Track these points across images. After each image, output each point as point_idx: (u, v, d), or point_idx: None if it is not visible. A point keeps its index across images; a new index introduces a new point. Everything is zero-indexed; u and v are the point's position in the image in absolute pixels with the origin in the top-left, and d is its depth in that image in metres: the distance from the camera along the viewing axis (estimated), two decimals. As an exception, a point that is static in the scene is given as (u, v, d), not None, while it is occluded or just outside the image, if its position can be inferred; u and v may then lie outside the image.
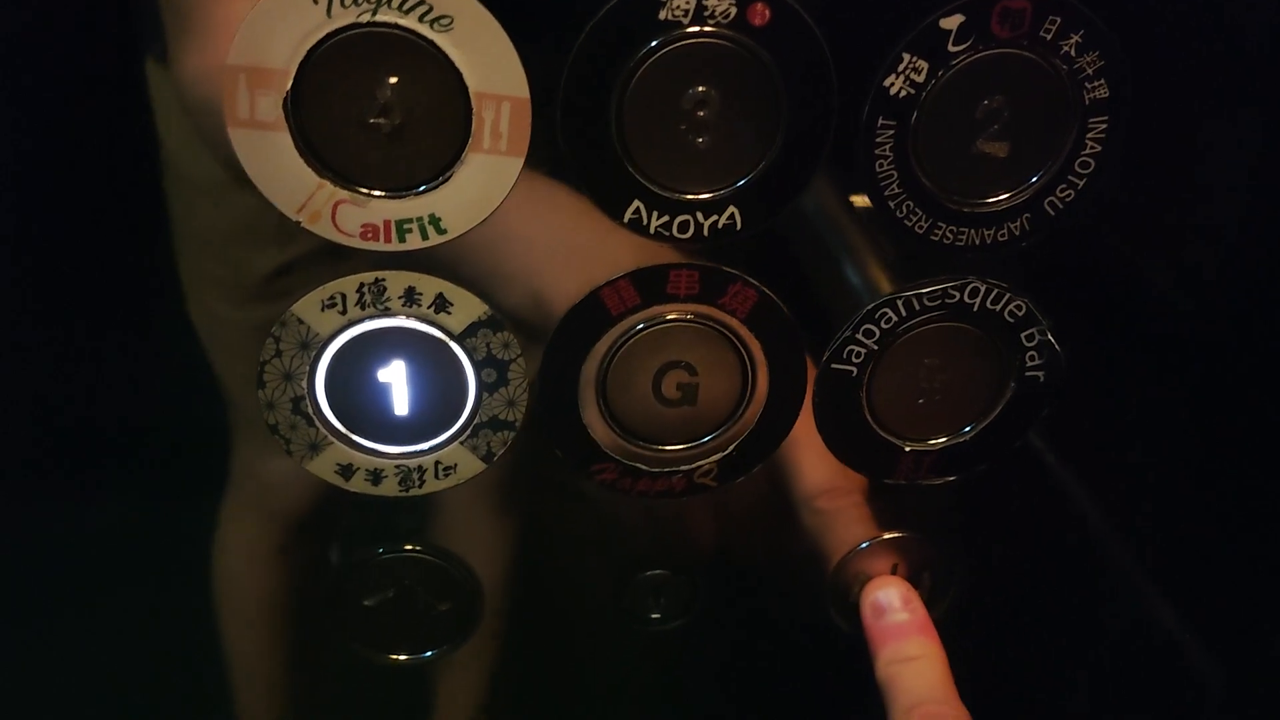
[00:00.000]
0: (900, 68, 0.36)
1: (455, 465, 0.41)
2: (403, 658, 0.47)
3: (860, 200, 0.40)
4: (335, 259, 0.38)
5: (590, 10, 0.34)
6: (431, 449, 0.41)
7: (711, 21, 0.35)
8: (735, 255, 0.39)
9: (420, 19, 0.34)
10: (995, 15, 0.36)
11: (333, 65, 0.34)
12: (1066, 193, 0.39)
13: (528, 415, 0.41)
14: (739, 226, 0.38)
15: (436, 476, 0.41)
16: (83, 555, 0.47)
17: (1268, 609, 0.52)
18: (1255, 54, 0.41)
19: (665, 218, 0.38)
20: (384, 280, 0.38)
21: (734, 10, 0.35)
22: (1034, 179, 0.39)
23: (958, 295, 0.41)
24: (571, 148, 0.36)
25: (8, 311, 0.41)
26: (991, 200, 0.39)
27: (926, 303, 0.41)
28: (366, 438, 0.41)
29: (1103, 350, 0.45)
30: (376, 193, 0.36)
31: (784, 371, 0.42)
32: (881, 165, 0.38)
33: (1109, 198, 0.40)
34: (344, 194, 0.36)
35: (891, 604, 0.45)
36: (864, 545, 0.46)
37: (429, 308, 0.39)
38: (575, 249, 0.39)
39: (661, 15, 0.34)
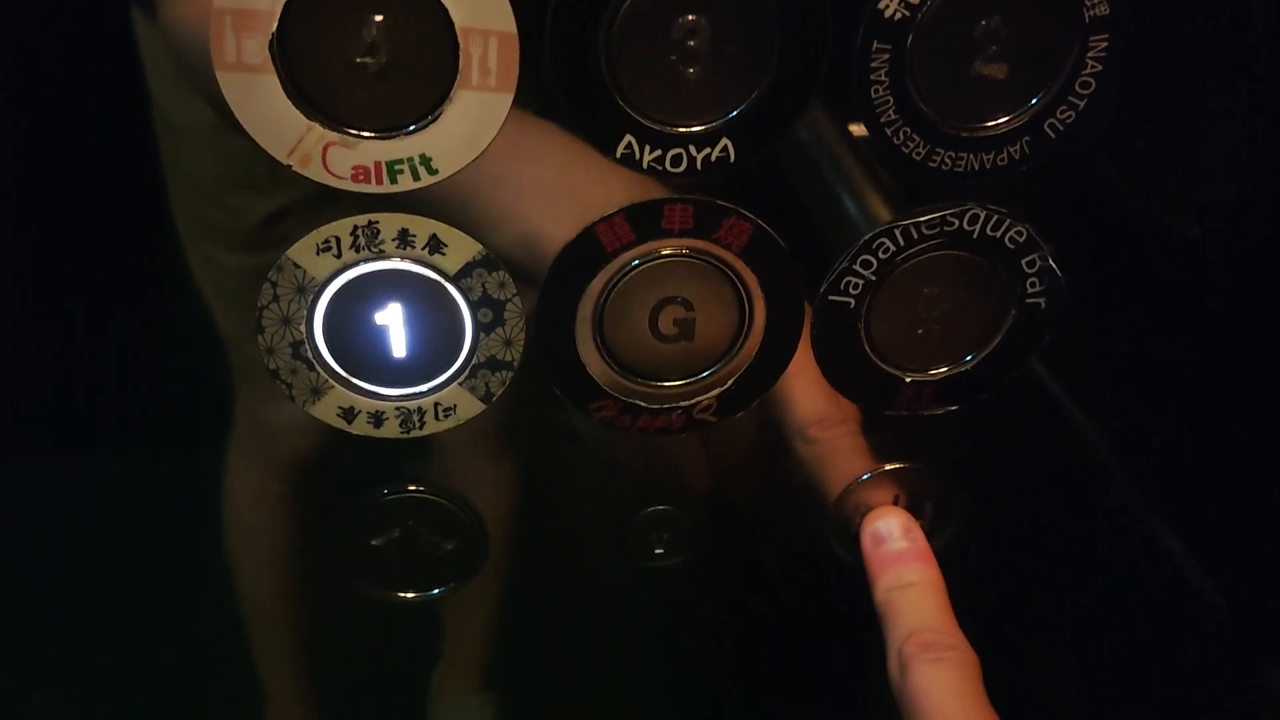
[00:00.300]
0: (894, -11, 0.36)
1: (455, 406, 0.42)
2: (410, 596, 0.48)
3: (857, 129, 0.39)
4: (329, 203, 0.38)
5: (575, -60, 0.34)
6: (431, 390, 0.41)
7: (699, -52, 0.34)
8: (730, 189, 0.39)
9: (402, -47, 0.33)
10: (990, -68, 0.35)
11: (318, 4, 0.33)
12: (1067, 114, 0.39)
13: (525, 355, 0.41)
14: (732, 159, 0.38)
15: (437, 418, 0.42)
16: (90, 508, 0.47)
17: (1269, 535, 0.52)
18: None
19: (658, 152, 0.37)
20: (377, 223, 0.38)
21: (722, -65, 0.34)
22: (1033, 101, 0.38)
23: (957, 223, 0.41)
24: (560, 82, 0.36)
25: (4, 266, 0.41)
26: (990, 124, 0.38)
27: (925, 231, 0.41)
28: (367, 381, 0.41)
29: (1103, 276, 0.45)
30: (366, 134, 0.36)
31: (781, 305, 0.41)
32: (877, 91, 0.37)
33: (1109, 120, 0.39)
34: (334, 136, 0.36)
35: (891, 533, 0.45)
36: (865, 477, 0.46)
37: (423, 249, 0.39)
38: (568, 186, 0.39)
39: (647, -57, 0.34)
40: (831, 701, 0.57)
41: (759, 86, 0.37)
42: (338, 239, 0.38)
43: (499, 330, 0.40)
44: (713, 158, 0.38)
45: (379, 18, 0.34)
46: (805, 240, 0.41)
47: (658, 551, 0.48)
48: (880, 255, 0.41)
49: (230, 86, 0.35)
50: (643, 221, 0.39)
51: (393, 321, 0.40)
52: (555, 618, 0.53)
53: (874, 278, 0.41)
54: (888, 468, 0.46)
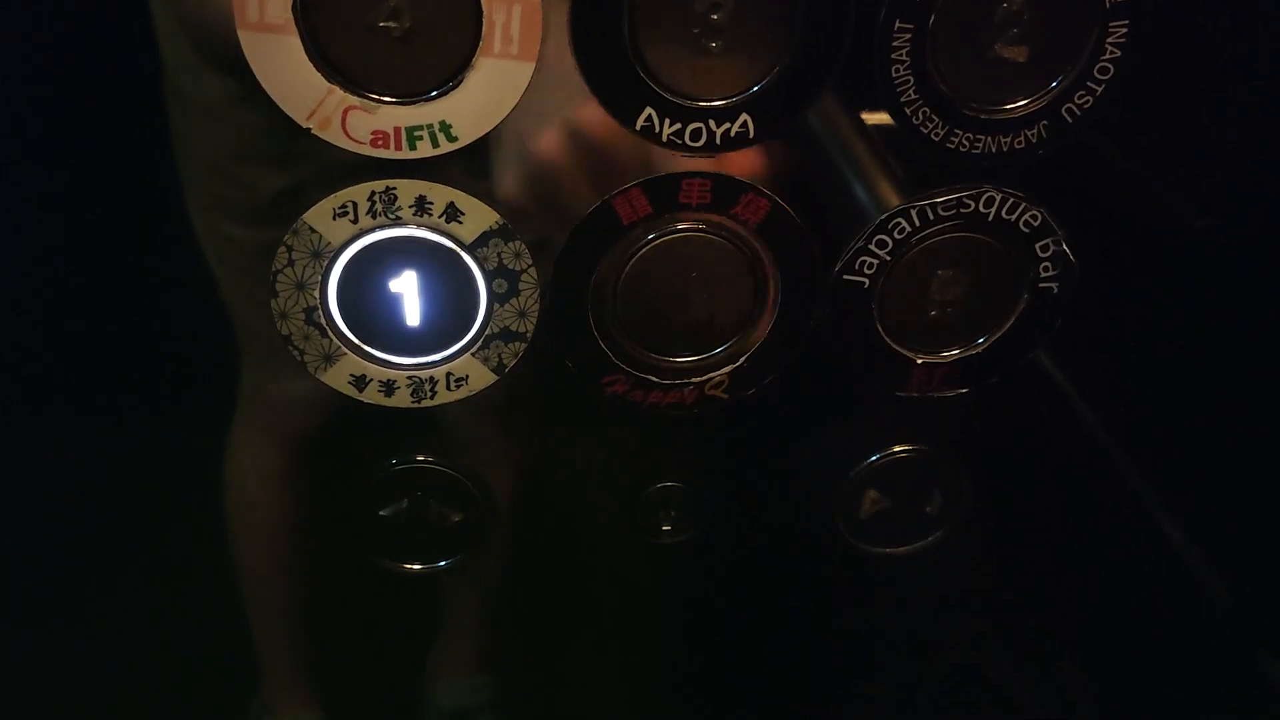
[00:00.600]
0: (919, -33, 0.36)
1: (467, 377, 0.41)
2: (417, 567, 0.48)
3: (878, 117, 0.39)
4: (343, 176, 0.38)
5: (602, -91, 0.34)
6: (443, 360, 0.41)
7: (725, -78, 0.34)
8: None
9: (429, -84, 0.33)
10: (1016, -87, 0.35)
11: (341, -33, 0.34)
12: (1085, 99, 0.39)
13: (539, 326, 0.41)
14: (752, 134, 0.38)
15: (448, 388, 0.42)
16: (99, 481, 0.47)
17: (1273, 526, 0.52)
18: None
19: (677, 125, 0.37)
20: (395, 189, 0.38)
21: (748, -91, 0.34)
22: (1053, 85, 0.38)
23: (972, 205, 0.41)
24: (583, 51, 0.36)
25: (18, 238, 0.41)
26: (1009, 106, 0.38)
27: (941, 212, 0.41)
28: (379, 349, 0.41)
29: (1115, 263, 0.45)
30: (387, 99, 0.36)
31: (796, 282, 0.41)
32: (898, 70, 0.37)
33: (1127, 105, 0.39)
34: (354, 100, 0.36)
35: None
36: (874, 459, 0.46)
37: (440, 217, 0.39)
38: (587, 157, 0.39)
39: (675, -86, 0.34)
40: (835, 680, 0.57)
41: (780, 63, 0.37)
42: (354, 204, 0.38)
43: (513, 301, 0.40)
44: (732, 133, 0.38)
45: (403, -19, 0.34)
46: (821, 218, 0.41)
47: (665, 529, 0.48)
48: (896, 235, 0.41)
49: (251, 46, 0.34)
50: (660, 195, 0.39)
51: (407, 289, 0.40)
52: (560, 588, 0.53)
53: (889, 258, 0.41)
54: (897, 450, 0.46)
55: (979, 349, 0.44)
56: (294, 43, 0.34)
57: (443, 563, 0.48)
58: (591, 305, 0.41)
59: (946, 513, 0.48)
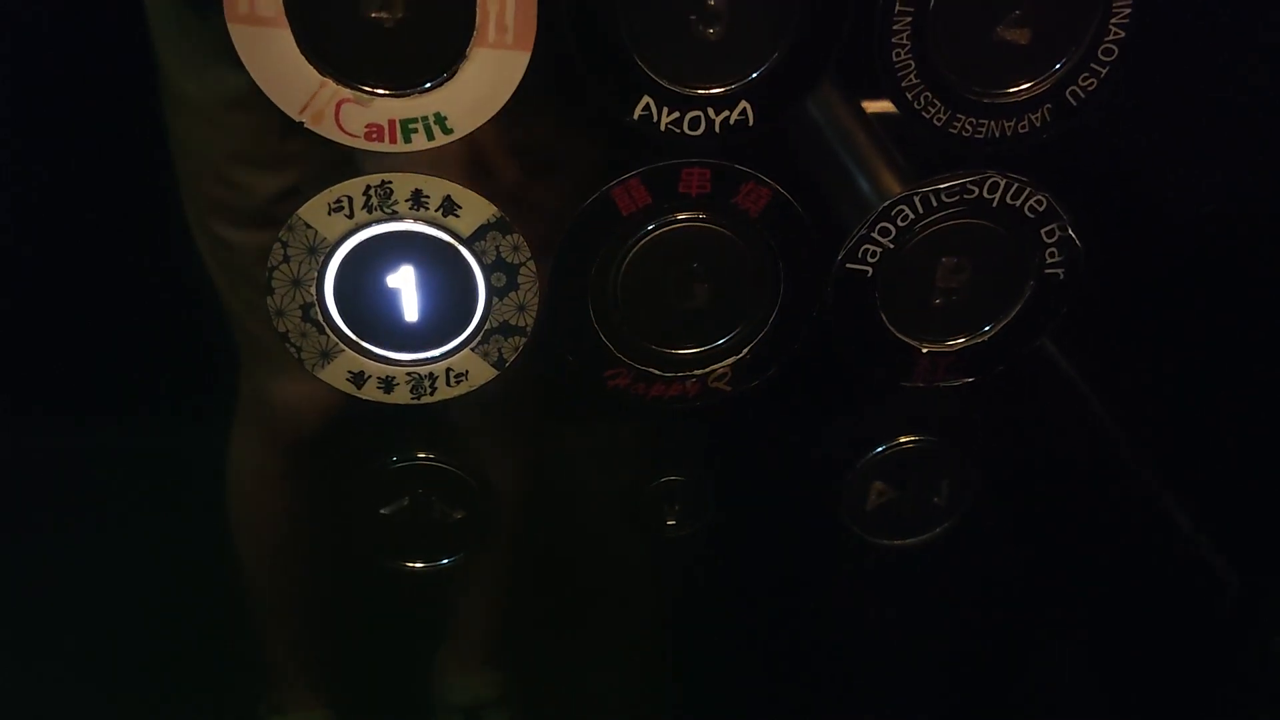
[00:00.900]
0: (918, -50, 0.35)
1: (466, 372, 0.41)
2: (419, 566, 0.47)
3: (880, 104, 0.39)
4: (340, 175, 0.38)
5: (595, -105, 0.33)
6: (443, 356, 0.41)
7: (721, -95, 0.34)
8: (748, 153, 0.39)
9: (419, -96, 0.33)
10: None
11: (331, -43, 0.33)
12: (1089, 81, 0.38)
13: (539, 320, 0.40)
14: (751, 122, 0.37)
15: (448, 384, 0.41)
16: (97, 482, 0.47)
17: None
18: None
19: (676, 114, 0.37)
20: (390, 183, 0.38)
21: (745, -108, 0.33)
22: (1056, 67, 0.38)
23: (976, 190, 0.40)
24: (578, 40, 0.35)
25: (16, 239, 0.41)
26: (1012, 90, 0.38)
27: (945, 199, 0.40)
28: (377, 345, 0.40)
29: (1122, 248, 0.44)
30: (380, 91, 0.35)
31: (798, 272, 0.41)
32: (899, 54, 0.37)
33: (1131, 87, 0.39)
34: (347, 93, 0.35)
35: None
36: (880, 450, 0.46)
37: (436, 210, 0.38)
38: (583, 147, 0.39)
39: (669, -101, 0.33)
40: (841, 673, 0.56)
41: (779, 49, 0.36)
42: (350, 199, 0.38)
43: (512, 295, 0.40)
44: (731, 120, 0.37)
45: (395, -30, 0.33)
46: (823, 207, 0.40)
47: (670, 523, 0.48)
48: (899, 223, 0.40)
49: (242, 39, 0.34)
50: (659, 184, 0.38)
51: (405, 284, 0.39)
52: (564, 585, 0.53)
53: (893, 246, 0.41)
54: (903, 441, 0.46)
55: (984, 337, 0.44)
56: (285, 35, 0.34)
57: (445, 560, 0.47)
58: (592, 298, 0.40)
59: (954, 504, 0.48)
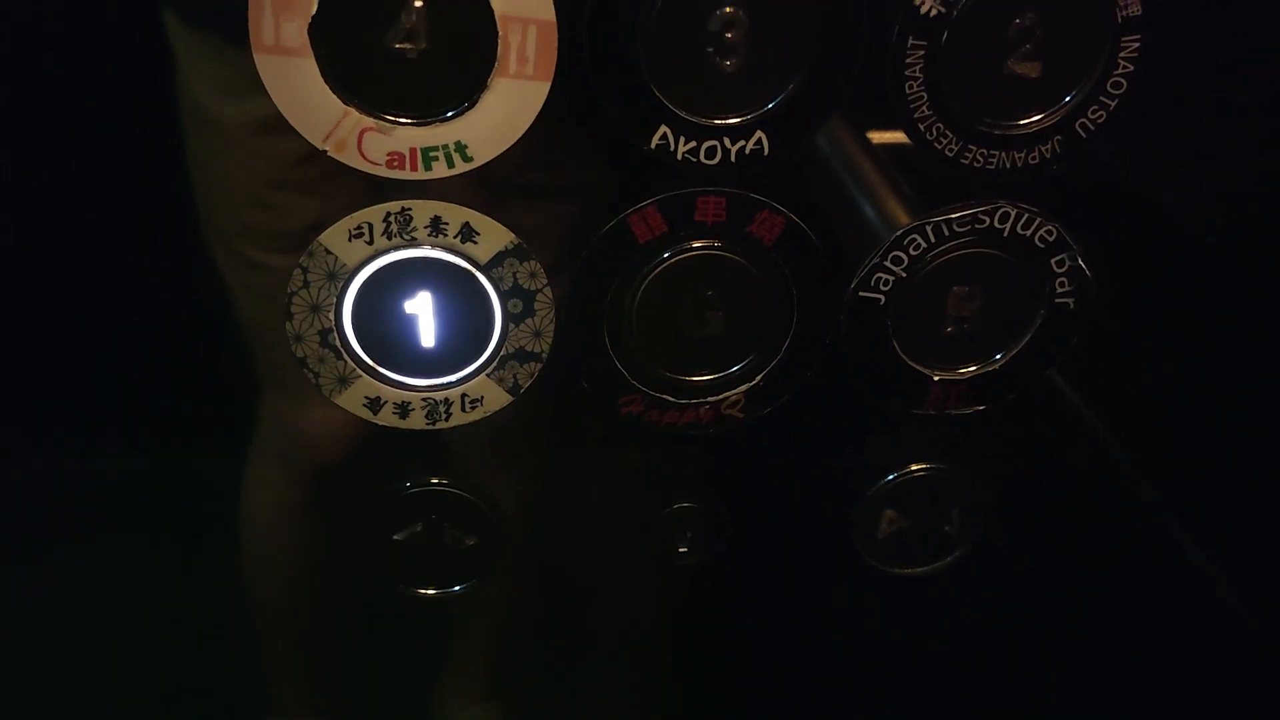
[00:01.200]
0: (931, -15, 0.36)
1: (482, 398, 0.41)
2: (431, 592, 0.47)
3: (892, 135, 0.39)
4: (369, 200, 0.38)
5: (616, -69, 0.34)
6: (458, 381, 0.41)
7: (738, -58, 0.34)
8: (762, 182, 0.39)
9: (445, -61, 0.33)
10: (1027, -69, 0.36)
11: (356, -11, 0.34)
12: (1098, 114, 0.39)
13: (554, 347, 0.40)
14: (766, 152, 0.38)
15: (464, 409, 0.41)
16: (111, 508, 0.47)
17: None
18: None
19: (692, 143, 0.37)
20: (410, 210, 0.38)
21: (762, -71, 0.34)
22: (1066, 100, 0.38)
23: (988, 220, 0.41)
24: (598, 72, 0.36)
25: (38, 261, 0.41)
26: (1023, 122, 0.38)
27: (956, 228, 0.41)
28: (394, 370, 0.40)
29: (1131, 278, 0.45)
30: (403, 120, 0.36)
31: (812, 300, 0.41)
32: (911, 87, 0.37)
33: (1141, 120, 0.39)
34: (370, 121, 0.36)
35: None
36: (892, 478, 0.46)
37: (455, 237, 0.39)
38: (601, 176, 0.39)
39: (688, -64, 0.34)
40: (852, 700, 0.56)
41: (794, 80, 0.37)
42: (370, 225, 0.38)
43: (529, 321, 0.40)
44: (747, 151, 0.38)
45: (419, 3, 0.34)
46: (837, 236, 0.41)
47: (682, 550, 0.48)
48: (911, 252, 0.41)
49: (267, 68, 0.34)
50: (675, 212, 0.39)
51: (422, 310, 0.39)
52: (576, 615, 0.53)
53: (905, 274, 0.41)
54: (914, 469, 0.46)
55: (996, 365, 0.44)
56: (310, 65, 0.35)
57: (457, 587, 0.47)
58: (607, 324, 0.41)
59: (965, 532, 0.48)
